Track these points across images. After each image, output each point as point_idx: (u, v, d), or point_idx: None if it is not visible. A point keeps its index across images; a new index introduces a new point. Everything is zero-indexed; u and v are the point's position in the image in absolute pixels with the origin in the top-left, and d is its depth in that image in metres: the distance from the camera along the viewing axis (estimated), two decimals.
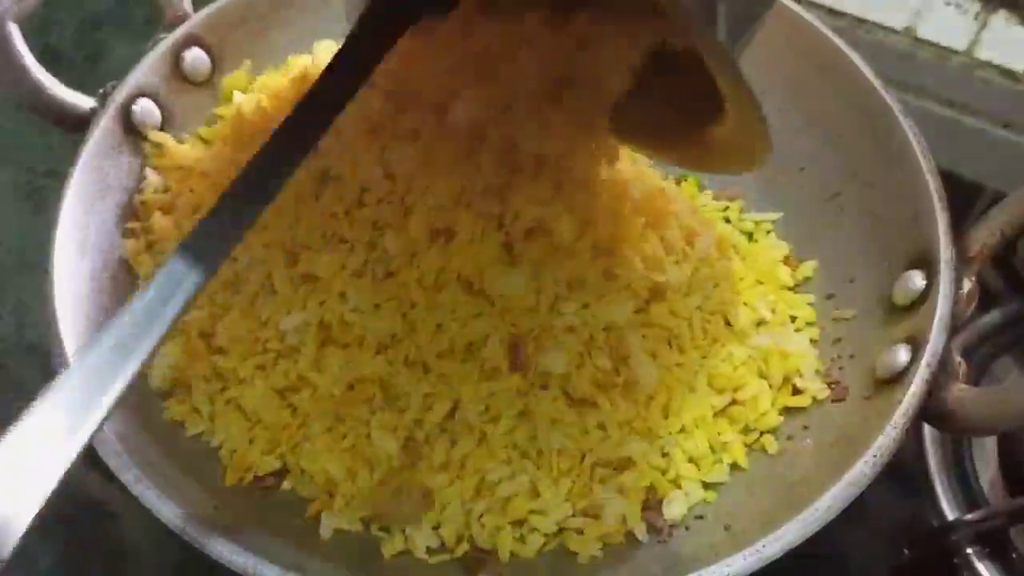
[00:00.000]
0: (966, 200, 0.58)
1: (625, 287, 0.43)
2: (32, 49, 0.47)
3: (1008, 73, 0.67)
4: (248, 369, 0.44)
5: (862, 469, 0.38)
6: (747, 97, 0.32)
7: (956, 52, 0.68)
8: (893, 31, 0.69)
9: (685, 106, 0.40)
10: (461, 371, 0.42)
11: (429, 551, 0.42)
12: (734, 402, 0.45)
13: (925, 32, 0.68)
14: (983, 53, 0.68)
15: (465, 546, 0.42)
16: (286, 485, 0.44)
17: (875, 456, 0.39)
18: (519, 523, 0.42)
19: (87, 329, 0.43)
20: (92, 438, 0.29)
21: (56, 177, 0.46)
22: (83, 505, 0.49)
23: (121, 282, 0.47)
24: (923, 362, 0.40)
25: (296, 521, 0.42)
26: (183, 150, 0.50)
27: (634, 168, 0.49)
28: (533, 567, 0.42)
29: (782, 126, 0.50)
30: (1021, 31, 0.69)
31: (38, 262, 0.44)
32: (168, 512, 0.37)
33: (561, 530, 0.42)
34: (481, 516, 0.42)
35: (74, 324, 0.42)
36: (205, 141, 0.51)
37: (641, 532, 0.42)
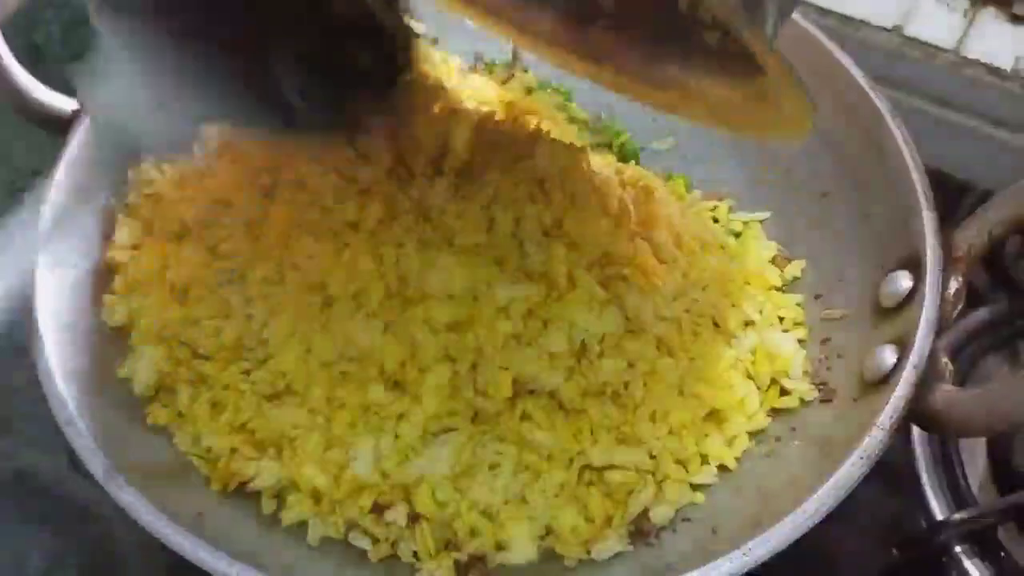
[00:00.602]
0: (954, 198, 0.58)
1: (616, 299, 0.43)
2: (17, 48, 0.47)
3: (996, 71, 0.67)
4: (232, 375, 0.43)
5: (850, 470, 0.38)
6: (795, 84, 0.33)
7: (944, 50, 0.68)
8: (882, 29, 0.69)
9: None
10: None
11: (416, 555, 0.42)
12: (722, 404, 0.45)
13: (913, 30, 0.68)
14: (971, 51, 0.68)
15: (453, 550, 0.42)
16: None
17: (863, 457, 0.39)
18: (507, 527, 0.42)
19: (69, 333, 0.43)
20: None
21: (41, 176, 0.46)
22: (72, 510, 0.48)
23: (103, 284, 0.46)
24: (909, 364, 0.40)
25: (282, 527, 0.42)
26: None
27: (626, 171, 0.49)
28: (521, 571, 0.42)
29: None
30: (1009, 28, 0.69)
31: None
32: (153, 520, 0.37)
33: (549, 533, 0.42)
34: (470, 519, 0.42)
35: (56, 328, 0.42)
36: None
37: (629, 535, 0.42)
